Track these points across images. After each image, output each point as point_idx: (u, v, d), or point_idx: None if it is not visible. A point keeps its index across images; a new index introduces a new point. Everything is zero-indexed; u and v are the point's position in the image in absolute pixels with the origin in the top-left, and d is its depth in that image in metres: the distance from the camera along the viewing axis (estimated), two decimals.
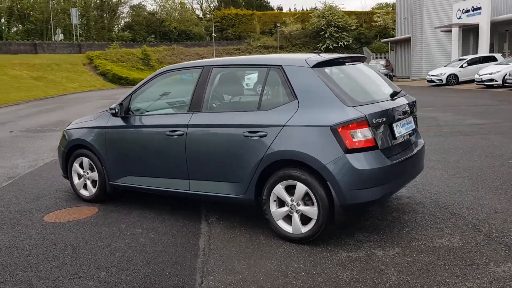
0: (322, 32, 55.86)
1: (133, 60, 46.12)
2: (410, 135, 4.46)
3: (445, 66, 28.60)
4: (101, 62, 43.20)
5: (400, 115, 4.25)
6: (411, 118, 4.56)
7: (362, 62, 4.79)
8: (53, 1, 59.35)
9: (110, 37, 65.78)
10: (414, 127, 4.57)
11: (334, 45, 55.15)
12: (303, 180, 3.94)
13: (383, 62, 38.19)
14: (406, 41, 39.84)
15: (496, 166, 6.54)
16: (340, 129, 3.77)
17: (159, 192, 4.92)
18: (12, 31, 61.53)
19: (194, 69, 4.80)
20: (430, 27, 34.55)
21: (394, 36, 45.72)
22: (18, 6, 57.72)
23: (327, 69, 4.18)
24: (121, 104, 5.08)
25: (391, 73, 36.41)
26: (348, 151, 3.77)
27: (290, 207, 4.08)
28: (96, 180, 5.41)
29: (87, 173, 5.50)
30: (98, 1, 68.15)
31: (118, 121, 5.12)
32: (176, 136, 4.61)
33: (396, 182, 4.07)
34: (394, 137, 4.12)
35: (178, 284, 3.41)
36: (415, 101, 4.75)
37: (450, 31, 32.39)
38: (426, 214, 4.67)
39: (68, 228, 4.66)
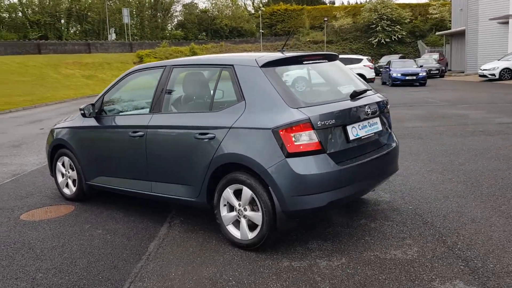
0: (374, 26, 54.30)
1: (180, 57, 46.93)
2: (374, 137, 4.17)
3: (498, 60, 26.95)
4: (150, 60, 44.33)
5: (359, 117, 3.99)
6: (377, 119, 4.26)
7: (331, 60, 4.53)
8: (110, 2, 61.60)
9: (163, 35, 67.41)
10: (380, 128, 4.27)
11: (387, 39, 53.45)
12: (248, 184, 3.79)
13: (436, 56, 36.58)
14: (461, 34, 37.91)
15: (501, 169, 6.04)
16: (282, 132, 3.59)
17: (127, 193, 4.92)
18: (71, 32, 64.59)
19: (158, 69, 4.75)
20: (486, 18, 32.65)
21: (450, 29, 43.67)
22: (77, 7, 60.40)
23: (278, 69, 3.98)
24: (93, 105, 5.13)
25: (443, 68, 34.78)
26: (289, 155, 3.57)
27: (238, 212, 3.95)
28: (75, 180, 5.51)
29: (68, 172, 5.61)
30: (152, 0, 70.04)
31: (91, 122, 5.17)
32: (137, 137, 4.58)
33: (349, 188, 3.80)
34: (348, 140, 3.86)
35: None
36: (384, 100, 4.45)
37: (507, 22, 30.48)
38: (396, 222, 4.37)
39: (35, 227, 4.76)
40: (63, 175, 5.72)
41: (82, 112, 5.08)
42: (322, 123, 3.66)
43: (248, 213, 3.87)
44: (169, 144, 4.36)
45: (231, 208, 4.00)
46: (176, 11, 76.17)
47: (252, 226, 3.89)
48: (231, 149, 3.86)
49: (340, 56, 21.33)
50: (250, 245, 3.89)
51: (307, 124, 3.60)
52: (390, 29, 53.89)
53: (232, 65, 4.07)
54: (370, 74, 22.97)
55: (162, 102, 4.53)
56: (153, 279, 3.50)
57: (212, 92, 4.22)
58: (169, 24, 75.69)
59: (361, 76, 22.49)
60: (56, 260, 3.91)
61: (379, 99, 4.37)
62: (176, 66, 4.59)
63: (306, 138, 3.61)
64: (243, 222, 3.93)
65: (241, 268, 3.61)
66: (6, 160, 8.51)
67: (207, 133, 4.01)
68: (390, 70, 25.39)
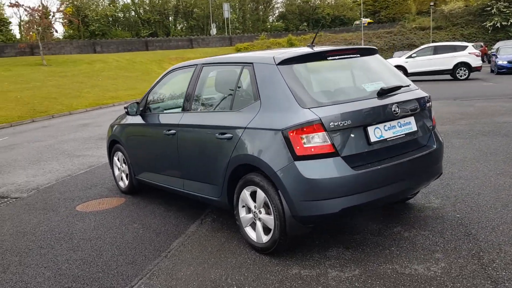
0: (489, 8, 49.72)
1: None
2: (405, 138, 3.80)
3: None
4: None
5: (385, 116, 3.66)
6: (410, 119, 3.87)
7: (366, 54, 4.21)
8: None
9: (264, 27, 68.30)
10: (414, 129, 3.88)
11: (504, 23, 48.66)
12: (262, 187, 3.68)
13: None
14: None
15: None
16: (292, 133, 3.42)
17: (166, 189, 5.06)
18: (178, 28, 68.15)
19: (191, 67, 4.80)
20: None
21: None
22: (183, 4, 63.50)
23: (298, 66, 3.79)
24: (137, 103, 5.34)
25: None
26: (298, 158, 3.39)
27: (253, 214, 3.86)
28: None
29: (122, 166, 5.92)
30: None
31: (137, 119, 5.38)
32: (170, 136, 4.68)
33: (369, 194, 3.51)
34: (369, 142, 3.56)
35: (112, 284, 3.50)
36: (424, 98, 4.03)
37: None
38: (434, 232, 3.96)
39: (84, 218, 5.10)
40: (118, 169, 6.04)
41: (126, 110, 5.31)
42: (336, 124, 3.42)
43: (263, 216, 3.77)
44: (196, 143, 4.40)
45: (249, 209, 3.92)
46: (278, 2, 76.62)
47: (267, 229, 3.78)
48: (246, 150, 3.77)
49: (442, 43, 19.77)
50: (264, 249, 3.78)
51: (318, 125, 3.39)
52: (508, 11, 48.97)
53: (252, 63, 3.96)
54: (476, 62, 21.07)
55: (191, 101, 4.57)
56: (161, 277, 3.56)
57: (234, 91, 4.15)
58: (270, 16, 76.47)
59: (465, 64, 20.80)
60: (86, 252, 4.15)
61: (416, 97, 3.97)
62: (206, 64, 4.60)
63: (318, 140, 3.40)
64: (258, 224, 3.83)
65: (248, 272, 3.53)
66: (89, 152, 9.23)
67: (225, 133, 3.97)
68: (497, 57, 23.10)
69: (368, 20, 59.42)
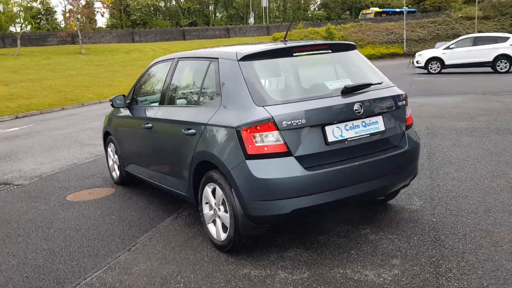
0: None
1: (316, 40, 46.47)
2: (371, 138, 3.65)
3: None
4: None
5: (346, 116, 3.53)
6: (377, 118, 3.71)
7: (339, 50, 4.08)
8: None
9: (305, 17, 67.52)
10: (381, 129, 3.72)
11: None
12: (219, 184, 3.64)
13: None
14: None
15: None
16: (245, 131, 3.35)
17: (148, 182, 5.11)
18: (217, 17, 68.46)
19: (169, 61, 4.79)
20: None
21: None
22: None
23: (260, 62, 3.70)
24: (124, 95, 5.39)
25: None
26: (250, 156, 3.33)
27: (214, 212, 3.83)
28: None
29: (114, 158, 6.02)
30: None
31: (124, 112, 5.45)
32: (147, 130, 4.71)
33: (324, 195, 3.40)
34: (326, 142, 3.45)
35: (67, 276, 3.57)
36: (398, 96, 3.86)
37: None
38: (402, 236, 3.81)
39: (69, 208, 5.23)
40: (112, 160, 6.15)
41: (111, 102, 5.38)
42: (289, 122, 3.32)
43: (221, 213, 3.74)
44: (167, 138, 4.41)
45: (211, 206, 3.90)
46: None
47: (225, 227, 3.75)
48: (206, 147, 3.75)
49: (482, 34, 18.89)
50: (223, 247, 3.76)
51: (271, 124, 3.31)
52: None
53: (218, 59, 3.91)
54: None
55: (167, 95, 4.58)
56: (115, 271, 3.59)
57: (200, 86, 4.12)
58: (311, 5, 75.49)
59: (506, 56, 19.80)
60: (57, 242, 4.25)
61: (387, 95, 3.81)
62: (181, 58, 4.58)
63: (270, 139, 3.32)
64: (218, 222, 3.81)
65: (201, 270, 3.51)
66: (100, 141, 9.41)
67: (190, 129, 3.96)
68: None
69: (376, 9, 57.39)
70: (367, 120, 3.66)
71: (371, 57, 42.21)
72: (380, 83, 3.91)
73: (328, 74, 4.05)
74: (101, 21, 60.61)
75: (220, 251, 3.80)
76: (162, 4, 64.99)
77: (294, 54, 3.81)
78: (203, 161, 3.82)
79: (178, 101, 4.52)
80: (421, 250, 3.55)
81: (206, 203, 3.94)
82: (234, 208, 3.51)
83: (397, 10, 58.87)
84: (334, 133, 3.49)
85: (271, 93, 3.52)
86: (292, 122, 3.33)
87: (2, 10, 32.69)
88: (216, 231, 3.82)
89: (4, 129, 12.48)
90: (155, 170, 4.79)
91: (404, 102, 3.94)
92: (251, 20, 57.19)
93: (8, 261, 3.91)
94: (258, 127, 3.32)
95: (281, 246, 3.82)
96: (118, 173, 5.97)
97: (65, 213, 5.05)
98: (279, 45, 3.88)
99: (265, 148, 3.33)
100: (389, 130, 3.78)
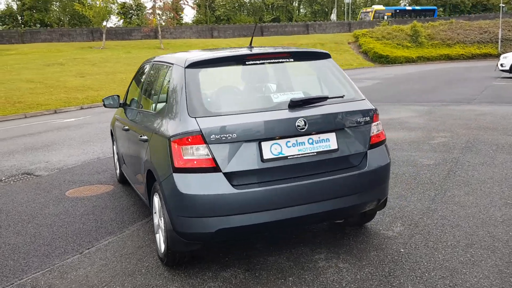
0: None
1: (400, 37, 44.44)
2: (318, 157, 3.32)
3: None
4: (365, 40, 43.30)
5: (287, 131, 3.23)
6: (330, 136, 3.37)
7: (307, 59, 3.80)
8: None
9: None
10: (333, 147, 3.36)
11: None
12: (159, 195, 3.53)
13: None
14: None
15: None
16: (175, 143, 3.20)
17: (132, 184, 5.12)
18: (301, 13, 68.01)
19: (149, 63, 4.75)
20: None
21: None
22: None
23: (206, 70, 3.51)
24: (118, 96, 5.43)
25: None
26: (176, 169, 3.17)
27: (158, 222, 3.73)
28: None
29: (115, 156, 6.12)
30: None
31: (120, 112, 5.50)
32: (125, 132, 4.72)
33: (255, 216, 3.15)
34: (262, 159, 3.19)
35: (8, 275, 3.65)
36: (362, 111, 3.50)
37: None
38: (352, 267, 3.45)
39: (58, 203, 5.40)
40: (114, 158, 6.26)
41: (103, 103, 5.44)
42: (218, 136, 3.11)
43: (161, 225, 3.62)
44: (132, 142, 4.39)
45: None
46: None
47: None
48: (149, 156, 3.65)
49: None
50: (162, 260, 3.64)
51: (199, 137, 3.12)
52: None
53: (173, 64, 3.78)
54: None
55: (140, 98, 4.55)
56: (52, 275, 3.59)
57: (158, 92, 4.01)
58: (401, 1, 72.48)
59: None
60: (27, 237, 4.38)
61: (345, 110, 3.45)
62: (156, 62, 4.51)
63: (199, 153, 3.14)
64: (160, 233, 3.69)
65: (130, 282, 3.42)
66: None
67: (143, 135, 3.89)
68: None
69: (377, 7, 52.59)
70: (315, 137, 3.34)
71: (459, 58, 39.70)
72: (341, 97, 3.55)
73: (280, 86, 3.76)
74: (189, 16, 62.74)
75: (161, 263, 3.69)
76: (246, 0, 65.90)
77: (247, 63, 3.57)
78: (149, 169, 3.72)
79: (144, 105, 4.46)
80: (363, 285, 3.17)
81: (155, 212, 3.84)
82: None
83: (418, 8, 53.71)
84: (272, 149, 3.22)
85: (207, 104, 3.33)
86: (222, 136, 3.12)
87: (90, 4, 34.80)
88: (159, 243, 3.72)
89: (63, 119, 13.31)
90: (131, 173, 4.79)
91: (368, 118, 3.55)
92: (333, 16, 56.14)
93: None
94: (188, 139, 3.15)
95: (223, 264, 3.62)
96: (118, 171, 6.06)
97: (53, 208, 5.21)
98: (234, 52, 3.67)
99: (195, 162, 3.15)
100: (344, 149, 3.42)
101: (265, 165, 3.20)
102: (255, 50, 3.68)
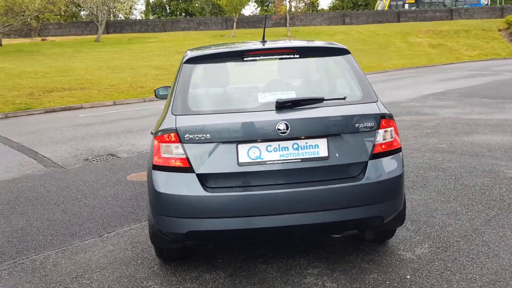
0: None
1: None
2: (304, 164, 3.03)
3: None
4: None
5: (267, 135, 3.01)
6: (319, 142, 3.05)
7: (316, 55, 3.49)
8: None
9: None
10: (322, 154, 3.03)
11: None
12: None
13: None
14: None
15: None
16: (156, 140, 3.20)
17: None
18: None
19: None
20: None
21: None
22: None
23: (202, 66, 3.42)
24: (169, 87, 5.56)
25: None
26: (154, 167, 3.17)
27: None
28: None
29: None
30: None
31: None
32: None
33: (228, 222, 3.00)
34: (238, 162, 3.02)
35: (35, 248, 4.02)
36: (368, 115, 3.12)
37: None
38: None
39: (111, 186, 5.76)
40: None
41: (155, 93, 5.60)
42: (192, 136, 3.03)
43: None
44: None
45: None
46: None
47: None
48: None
49: None
50: (156, 253, 3.68)
51: (175, 135, 3.07)
52: None
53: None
54: None
55: None
56: (63, 255, 3.84)
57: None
58: None
59: None
60: (57, 215, 4.78)
61: (343, 114, 3.09)
62: None
63: (176, 152, 3.09)
64: None
65: (119, 271, 3.53)
66: None
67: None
68: None
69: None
70: (302, 142, 3.05)
71: None
72: (343, 99, 3.19)
73: (275, 84, 3.47)
74: (325, 2, 61.96)
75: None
76: None
77: (245, 59, 3.39)
78: None
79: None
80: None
81: None
82: (149, 217, 3.40)
83: None
84: (250, 153, 3.03)
85: (191, 102, 3.25)
86: (196, 136, 3.03)
87: None
88: None
89: (152, 106, 14.01)
90: None
91: (372, 123, 3.13)
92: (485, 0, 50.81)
93: (11, 221, 4.61)
94: (167, 137, 3.12)
95: (213, 265, 3.53)
96: None
97: (108, 190, 5.60)
98: (233, 47, 3.51)
99: (172, 161, 3.10)
100: (337, 157, 3.07)
101: (241, 169, 3.02)
102: (257, 45, 3.47)
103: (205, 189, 3.01)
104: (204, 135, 3.02)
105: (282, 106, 3.07)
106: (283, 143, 3.04)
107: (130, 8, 41.07)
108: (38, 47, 29.71)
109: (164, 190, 3.09)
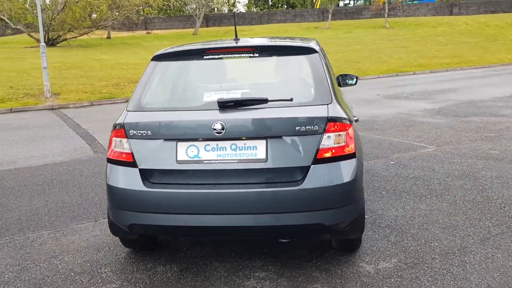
0: None
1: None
2: (238, 166, 2.99)
3: None
4: None
5: (203, 134, 3.02)
6: (257, 143, 2.98)
7: (278, 54, 3.41)
8: None
9: None
10: (259, 157, 2.96)
11: None
12: None
13: None
14: None
15: None
16: (112, 133, 3.36)
17: None
18: None
19: None
20: None
21: None
22: None
23: (165, 64, 3.52)
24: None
25: None
26: (108, 160, 3.34)
27: None
28: None
29: None
30: None
31: None
32: None
33: (166, 218, 3.07)
34: (176, 160, 3.07)
35: (36, 226, 4.43)
36: (303, 118, 2.99)
37: None
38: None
39: None
40: None
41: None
42: (135, 132, 3.14)
43: None
44: None
45: None
46: None
47: None
48: None
49: None
50: None
51: (122, 131, 3.21)
52: None
53: None
54: None
55: None
56: (54, 236, 4.16)
57: None
58: None
59: None
60: (89, 198, 5.17)
61: (286, 116, 2.99)
62: None
63: (123, 146, 3.23)
64: None
65: (91, 255, 3.75)
66: None
67: None
68: None
69: None
70: (241, 143, 3.01)
71: None
72: (289, 100, 3.07)
73: (223, 83, 3.42)
74: None
75: None
76: None
77: (204, 57, 3.41)
78: None
79: None
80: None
81: None
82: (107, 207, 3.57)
83: None
84: (188, 151, 3.06)
85: (144, 98, 3.35)
86: (138, 132, 3.14)
87: None
88: None
89: None
90: None
91: (316, 127, 2.98)
92: None
93: (32, 201, 5.09)
94: (117, 132, 3.27)
95: (173, 258, 3.62)
96: None
97: None
98: (196, 45, 3.54)
99: (123, 155, 3.24)
100: (276, 160, 2.98)
101: (180, 167, 3.07)
102: (217, 44, 3.46)
103: (145, 184, 3.10)
104: (146, 132, 3.11)
105: (223, 105, 3.05)
106: (221, 143, 3.02)
107: (228, 1, 42.24)
108: (140, 40, 31.91)
109: (111, 183, 3.24)
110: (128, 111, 3.28)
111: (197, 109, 3.16)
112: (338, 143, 3.02)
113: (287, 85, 3.38)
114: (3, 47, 28.78)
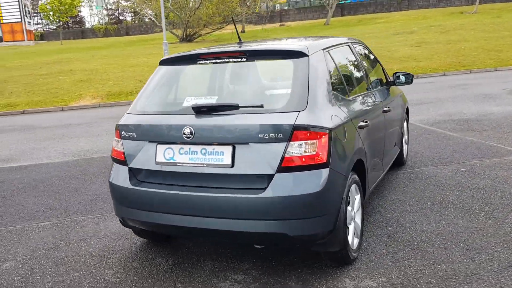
0: None
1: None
2: (206, 170, 3.06)
3: None
4: None
5: (176, 138, 3.16)
6: (224, 149, 3.01)
7: (263, 59, 3.39)
8: None
9: None
10: (225, 162, 2.99)
11: None
12: None
13: None
14: None
15: None
16: (115, 133, 3.68)
17: None
18: None
19: None
20: None
21: None
22: None
23: (168, 68, 3.70)
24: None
25: None
26: (112, 159, 3.67)
27: None
28: None
29: None
30: None
31: None
32: None
33: (149, 215, 3.28)
34: (155, 161, 3.26)
35: (43, 216, 5.01)
36: (269, 126, 2.94)
37: None
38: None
39: None
40: None
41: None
42: (125, 134, 3.43)
43: None
44: None
45: None
46: None
47: None
48: None
49: None
50: None
51: (117, 132, 3.52)
52: None
53: None
54: None
55: None
56: (49, 226, 4.65)
57: None
58: None
59: None
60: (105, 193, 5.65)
61: (253, 122, 2.97)
62: None
63: (118, 146, 3.54)
64: None
65: (89, 242, 4.15)
66: None
67: None
68: None
69: None
70: (210, 148, 3.08)
71: None
72: (260, 106, 3.03)
73: (205, 89, 3.44)
74: None
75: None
76: None
77: (198, 62, 3.52)
78: None
79: None
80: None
81: None
82: None
83: None
84: (165, 154, 3.23)
85: (140, 102, 3.58)
86: (127, 133, 3.41)
87: None
88: None
89: None
90: None
91: (280, 135, 2.90)
92: None
93: (65, 191, 5.70)
94: (116, 133, 3.58)
95: (170, 252, 3.81)
96: None
97: None
98: (193, 51, 3.65)
99: (118, 154, 3.55)
100: (241, 167, 2.99)
101: (158, 168, 3.26)
102: (211, 50, 3.53)
103: (131, 182, 3.35)
104: (133, 134, 3.36)
105: (198, 111, 3.14)
106: (193, 147, 3.13)
107: None
108: (270, 33, 32.63)
109: (110, 179, 3.57)
110: (127, 113, 3.55)
111: (176, 113, 3.31)
112: (306, 152, 2.90)
113: (266, 90, 3.31)
114: (150, 43, 31.98)
